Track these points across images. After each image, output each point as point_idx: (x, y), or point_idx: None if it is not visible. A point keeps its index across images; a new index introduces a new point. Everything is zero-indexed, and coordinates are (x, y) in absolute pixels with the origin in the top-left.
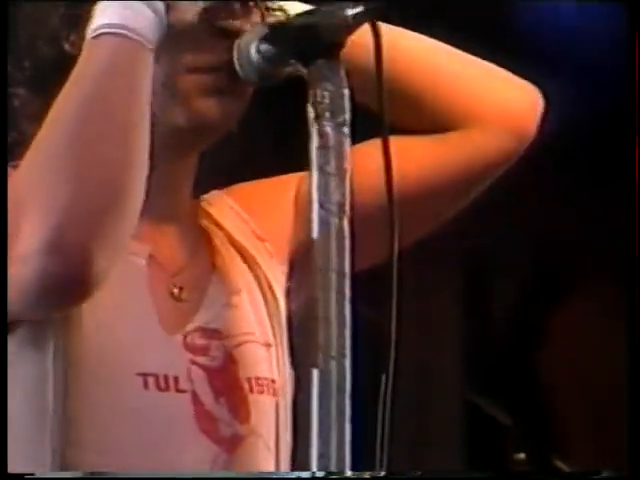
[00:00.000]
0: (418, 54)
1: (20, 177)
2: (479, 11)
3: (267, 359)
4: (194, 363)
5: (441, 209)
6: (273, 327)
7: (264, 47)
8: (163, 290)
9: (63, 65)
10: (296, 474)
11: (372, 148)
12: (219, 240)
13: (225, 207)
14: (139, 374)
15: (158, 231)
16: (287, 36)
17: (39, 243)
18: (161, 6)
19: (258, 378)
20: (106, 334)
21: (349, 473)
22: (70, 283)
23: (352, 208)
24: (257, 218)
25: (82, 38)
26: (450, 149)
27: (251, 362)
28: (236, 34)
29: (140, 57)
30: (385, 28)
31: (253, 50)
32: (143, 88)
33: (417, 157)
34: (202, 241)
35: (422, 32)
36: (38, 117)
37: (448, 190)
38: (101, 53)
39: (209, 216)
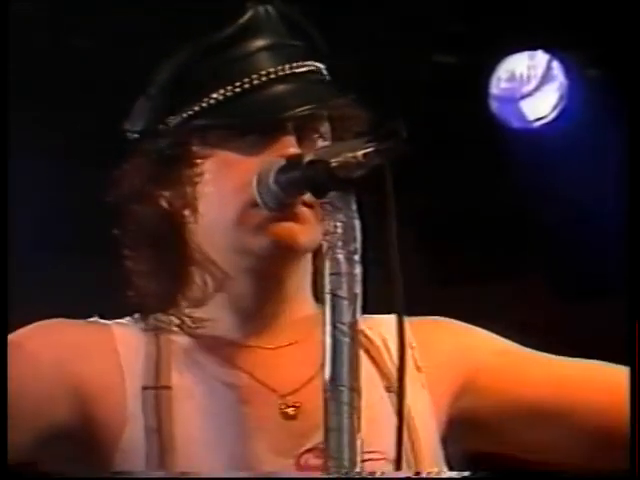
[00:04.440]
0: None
1: None
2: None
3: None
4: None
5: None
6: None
7: (281, 178)
8: (270, 413)
9: (162, 221)
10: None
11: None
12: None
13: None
14: None
15: (262, 356)
16: (302, 169)
17: None
18: None
19: None
20: (209, 462)
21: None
22: None
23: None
24: (423, 348)
25: (178, 194)
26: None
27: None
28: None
29: None
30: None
31: (272, 180)
32: None
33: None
34: None
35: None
36: (149, 273)
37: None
38: None
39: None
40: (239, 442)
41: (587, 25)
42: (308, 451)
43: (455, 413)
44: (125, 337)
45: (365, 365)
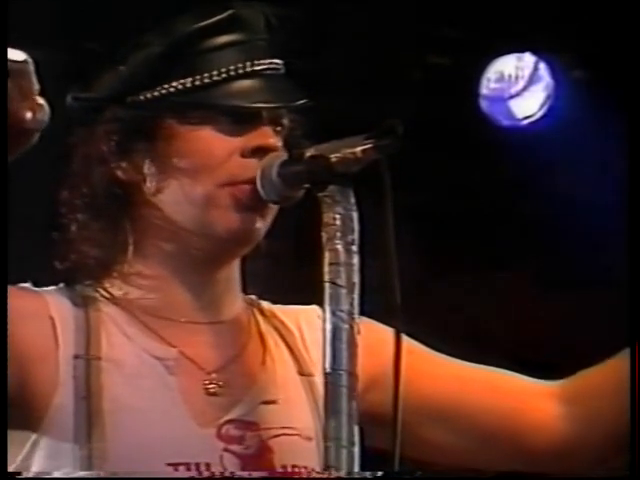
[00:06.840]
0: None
1: None
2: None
3: (308, 450)
4: (227, 451)
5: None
6: (316, 425)
7: (284, 171)
8: (196, 386)
9: (116, 190)
10: None
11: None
12: (273, 341)
13: (314, 317)
14: (170, 464)
15: (191, 334)
16: (303, 164)
17: None
18: None
19: (294, 466)
20: (135, 430)
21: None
22: None
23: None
24: None
25: (134, 166)
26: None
27: (288, 451)
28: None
29: None
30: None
31: (274, 173)
32: None
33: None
34: (253, 341)
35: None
36: (97, 240)
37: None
38: None
39: (274, 317)
40: (164, 411)
41: (572, 28)
42: (229, 422)
43: (363, 407)
44: (58, 305)
45: (281, 349)
